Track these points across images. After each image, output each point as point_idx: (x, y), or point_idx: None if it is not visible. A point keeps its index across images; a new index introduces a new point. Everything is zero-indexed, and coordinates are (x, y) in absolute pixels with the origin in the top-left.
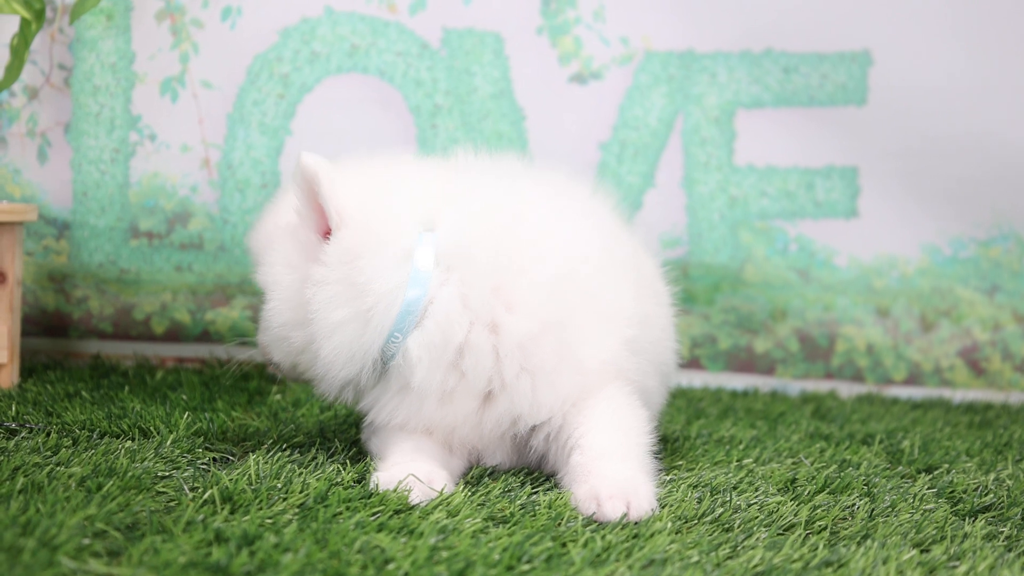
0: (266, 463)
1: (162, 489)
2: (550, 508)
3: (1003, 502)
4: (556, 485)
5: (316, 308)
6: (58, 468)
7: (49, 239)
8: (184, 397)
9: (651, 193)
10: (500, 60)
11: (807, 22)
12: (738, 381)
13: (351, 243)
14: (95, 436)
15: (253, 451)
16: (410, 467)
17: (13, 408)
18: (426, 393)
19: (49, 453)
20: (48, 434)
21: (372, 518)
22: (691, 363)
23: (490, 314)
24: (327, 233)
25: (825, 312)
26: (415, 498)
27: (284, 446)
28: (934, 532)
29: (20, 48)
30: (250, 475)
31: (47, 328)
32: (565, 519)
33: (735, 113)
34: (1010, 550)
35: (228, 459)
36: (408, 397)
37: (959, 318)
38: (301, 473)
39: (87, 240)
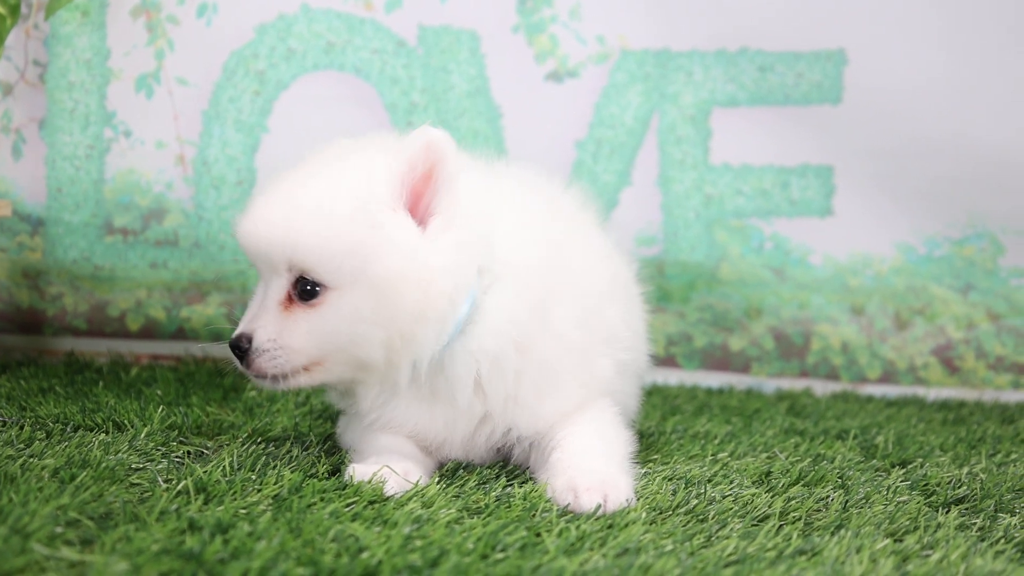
0: (241, 455)
1: (136, 481)
2: (525, 499)
3: (976, 494)
4: (531, 478)
5: (436, 301)
6: (31, 460)
7: (23, 236)
8: (159, 392)
9: (627, 191)
10: (476, 58)
11: (782, 21)
12: (713, 379)
13: (461, 239)
14: (69, 429)
15: (228, 444)
16: (386, 459)
17: None
18: (460, 409)
19: (22, 446)
20: (22, 427)
21: (347, 508)
22: (666, 361)
23: (525, 333)
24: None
25: (800, 310)
26: (390, 489)
27: (259, 439)
28: (907, 523)
29: None
30: (224, 467)
31: (21, 325)
32: (540, 510)
33: (711, 112)
34: (983, 540)
35: (203, 453)
36: (418, 407)
37: (933, 316)
38: (276, 465)
39: (61, 237)
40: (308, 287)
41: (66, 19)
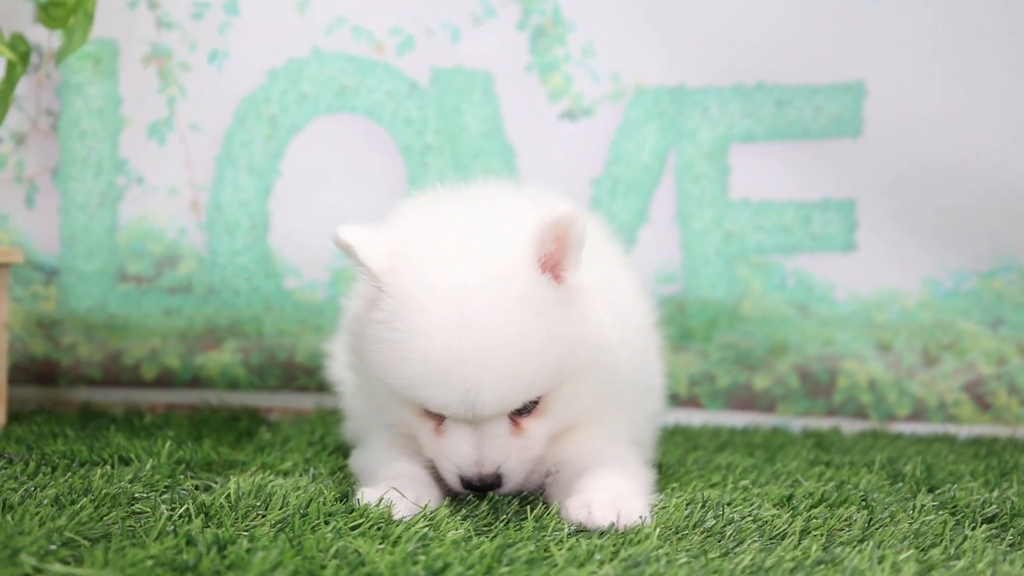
0: (247, 484)
1: (138, 509)
2: (537, 521)
3: (1007, 513)
4: (544, 502)
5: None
6: (34, 491)
7: (37, 285)
8: (170, 434)
9: (645, 229)
10: (490, 98)
11: (799, 54)
12: (738, 419)
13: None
14: (75, 464)
15: (235, 477)
16: (398, 483)
17: None
18: None
19: (26, 479)
20: (27, 463)
21: (352, 529)
22: (689, 401)
23: None
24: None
25: (825, 347)
26: (398, 513)
27: (268, 472)
28: (934, 538)
29: (5, 91)
30: (229, 493)
31: (36, 376)
32: (551, 528)
33: (728, 147)
34: (1014, 551)
35: (210, 487)
36: None
37: (962, 352)
38: (283, 494)
39: (75, 285)
40: (530, 404)
41: (78, 68)
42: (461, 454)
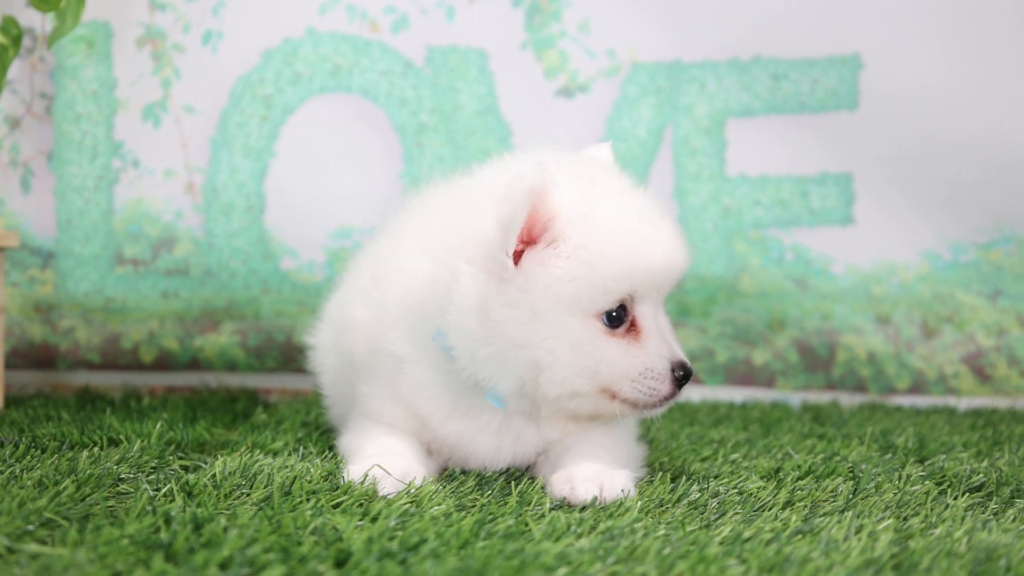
0: (234, 463)
1: (123, 490)
2: (521, 496)
3: (993, 482)
4: (531, 478)
5: None
6: (20, 473)
7: (34, 269)
8: (165, 416)
9: None
10: (485, 76)
11: (795, 27)
12: (737, 394)
13: None
14: (64, 447)
15: (224, 456)
16: (384, 461)
17: None
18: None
19: (14, 461)
20: (16, 446)
21: (335, 507)
22: None
23: None
24: None
25: (824, 321)
26: (384, 489)
27: (258, 452)
28: (916, 507)
29: None
30: (215, 473)
31: (35, 361)
32: (533, 503)
33: (725, 122)
34: (994, 519)
35: (200, 467)
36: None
37: (962, 324)
38: (269, 473)
39: (72, 269)
40: None
41: (72, 51)
42: (667, 343)
